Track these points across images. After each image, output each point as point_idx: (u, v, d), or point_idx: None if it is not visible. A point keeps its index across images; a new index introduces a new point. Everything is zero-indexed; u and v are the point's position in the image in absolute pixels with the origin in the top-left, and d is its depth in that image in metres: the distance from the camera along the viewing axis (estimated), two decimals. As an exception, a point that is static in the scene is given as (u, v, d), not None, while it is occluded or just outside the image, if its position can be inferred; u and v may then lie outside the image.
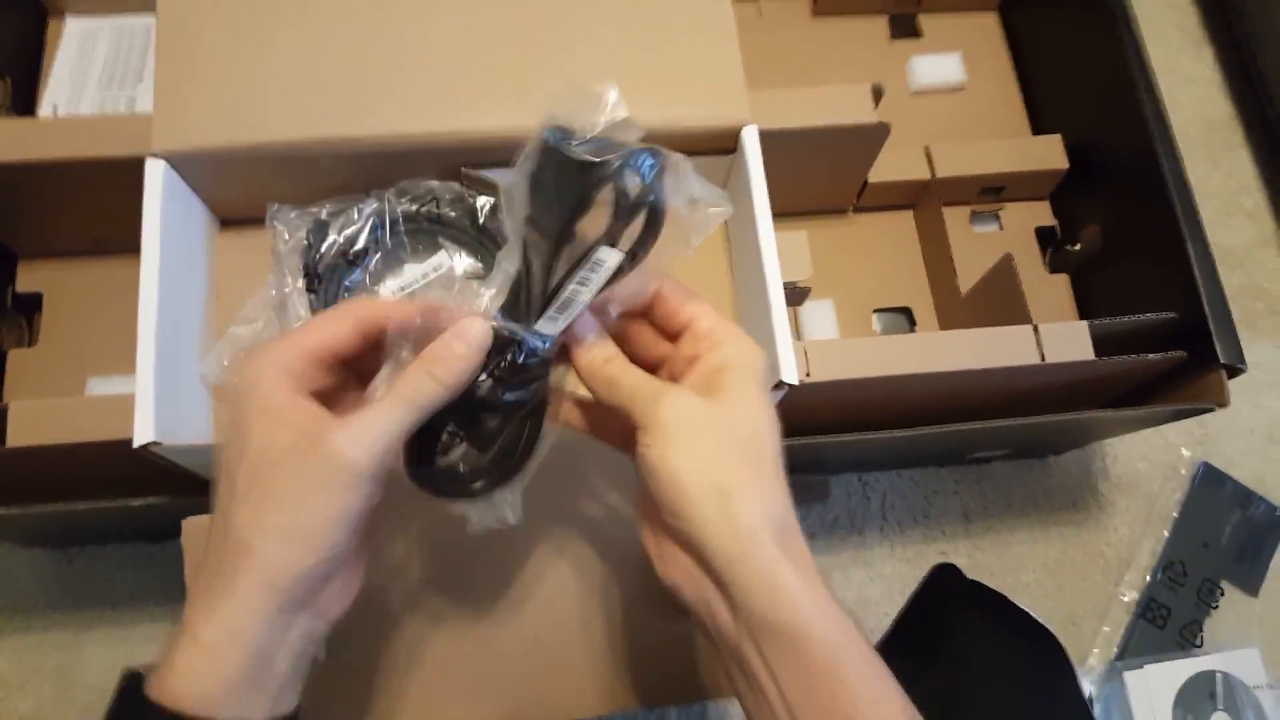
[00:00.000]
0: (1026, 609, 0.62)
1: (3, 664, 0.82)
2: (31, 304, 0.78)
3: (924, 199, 0.89)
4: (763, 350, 0.42)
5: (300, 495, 0.37)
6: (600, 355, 0.42)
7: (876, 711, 0.37)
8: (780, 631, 0.37)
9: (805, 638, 0.37)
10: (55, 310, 0.78)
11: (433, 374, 0.39)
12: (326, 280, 0.59)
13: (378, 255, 0.61)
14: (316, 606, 0.39)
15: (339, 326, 0.40)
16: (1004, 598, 0.63)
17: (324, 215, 0.61)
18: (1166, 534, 0.95)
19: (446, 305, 0.40)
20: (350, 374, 0.43)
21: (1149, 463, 0.98)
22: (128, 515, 0.72)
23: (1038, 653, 0.61)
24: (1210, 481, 0.97)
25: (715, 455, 0.38)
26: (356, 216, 0.61)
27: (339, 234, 0.60)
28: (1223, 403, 0.71)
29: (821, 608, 0.37)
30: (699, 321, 0.42)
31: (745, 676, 0.38)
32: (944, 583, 0.67)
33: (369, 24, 0.62)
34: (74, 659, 0.82)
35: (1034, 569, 0.94)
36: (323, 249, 0.60)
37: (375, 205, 0.61)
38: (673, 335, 0.43)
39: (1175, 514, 0.96)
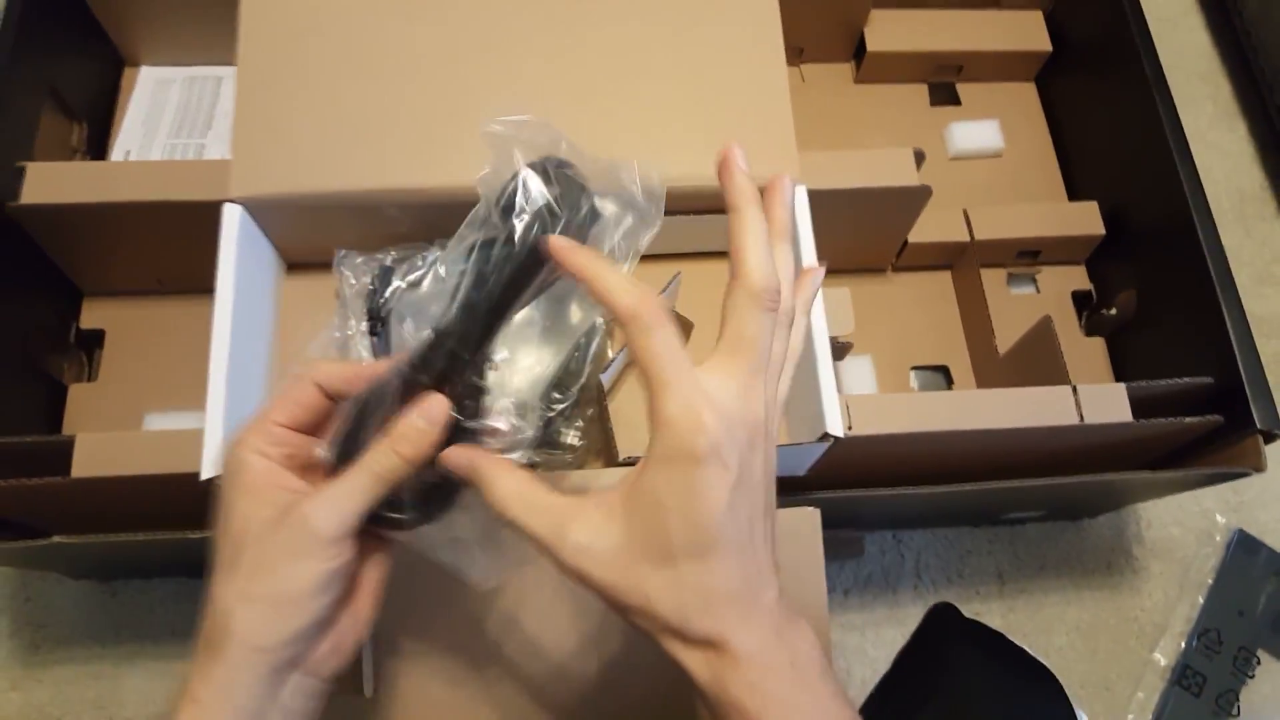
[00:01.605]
0: (1024, 647, 0.62)
1: (45, 694, 0.83)
2: (93, 340, 0.80)
3: (962, 260, 0.91)
4: (706, 408, 0.38)
5: (276, 564, 0.40)
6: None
7: None
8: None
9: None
10: (116, 347, 0.80)
11: (398, 450, 0.42)
12: (389, 325, 0.61)
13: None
14: (307, 665, 0.42)
15: (303, 396, 0.44)
16: (1002, 635, 0.64)
17: (389, 262, 0.63)
18: (1201, 600, 0.95)
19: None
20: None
21: (1183, 528, 0.98)
22: (178, 549, 0.74)
23: (1035, 687, 0.61)
24: (1245, 549, 0.97)
25: (624, 569, 0.39)
26: (420, 264, 0.63)
27: (402, 280, 0.62)
28: (1259, 467, 0.71)
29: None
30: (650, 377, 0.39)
31: None
32: (943, 620, 0.68)
33: (435, 81, 0.65)
34: (113, 691, 0.84)
35: (1067, 631, 0.94)
36: (386, 294, 0.62)
37: (438, 253, 0.64)
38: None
39: (1210, 580, 0.96)
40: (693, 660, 0.38)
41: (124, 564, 0.84)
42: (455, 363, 0.44)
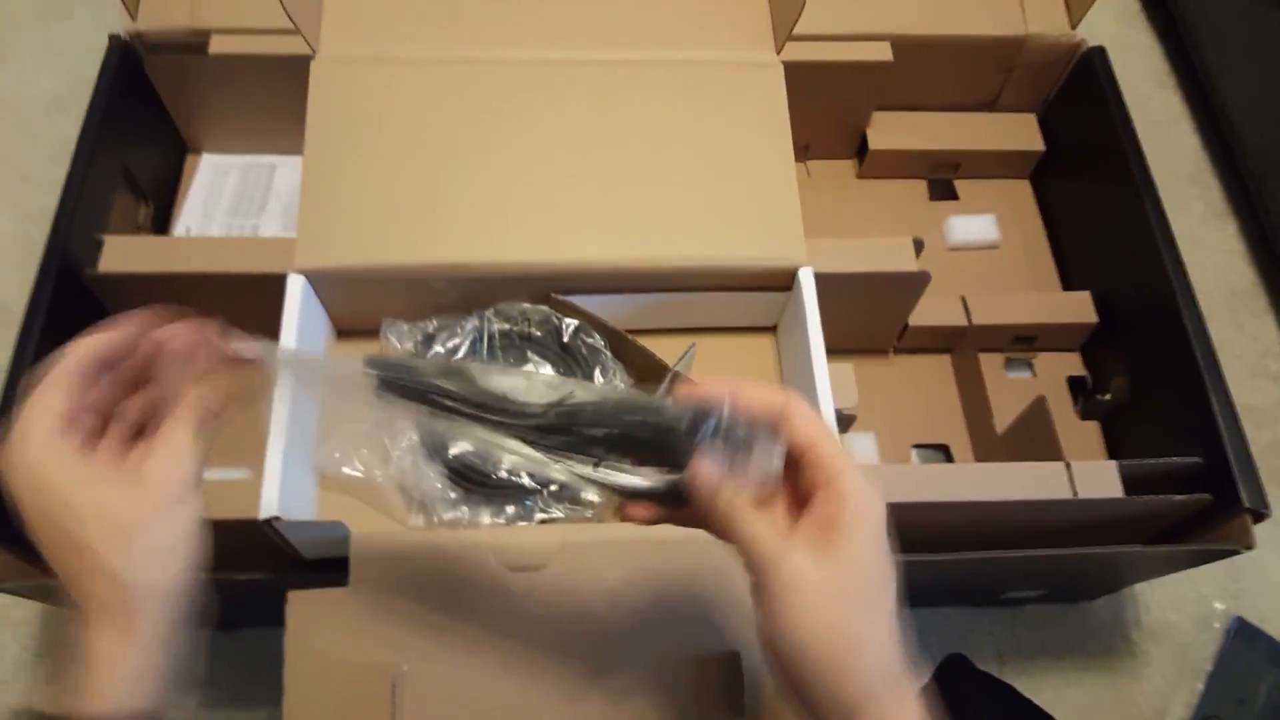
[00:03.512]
0: (1029, 696, 0.64)
1: (76, 743, 0.86)
2: (149, 401, 0.86)
3: (960, 344, 0.95)
4: (881, 495, 0.42)
5: (154, 526, 0.43)
6: (725, 492, 0.43)
7: None
8: None
9: None
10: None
11: (213, 384, 0.46)
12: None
13: (474, 366, 0.69)
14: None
15: (71, 379, 0.44)
16: (1010, 686, 0.66)
17: (431, 330, 0.69)
18: (1201, 687, 0.93)
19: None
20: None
21: (1181, 613, 0.98)
22: (220, 596, 0.78)
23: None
24: (1244, 636, 0.96)
25: (831, 625, 0.40)
26: (459, 332, 0.69)
27: (442, 346, 0.68)
28: (1249, 545, 0.72)
29: None
30: (820, 449, 0.43)
31: None
32: (956, 670, 0.69)
33: (483, 169, 0.72)
34: (140, 741, 0.86)
35: (1067, 714, 0.91)
36: (428, 358, 0.68)
37: (475, 323, 0.69)
38: (795, 451, 0.44)
39: (1209, 668, 0.95)
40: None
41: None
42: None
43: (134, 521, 0.42)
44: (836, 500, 0.41)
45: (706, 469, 0.43)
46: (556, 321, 0.72)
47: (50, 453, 0.42)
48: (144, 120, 0.91)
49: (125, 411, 0.46)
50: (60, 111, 1.17)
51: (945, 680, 0.70)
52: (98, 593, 0.42)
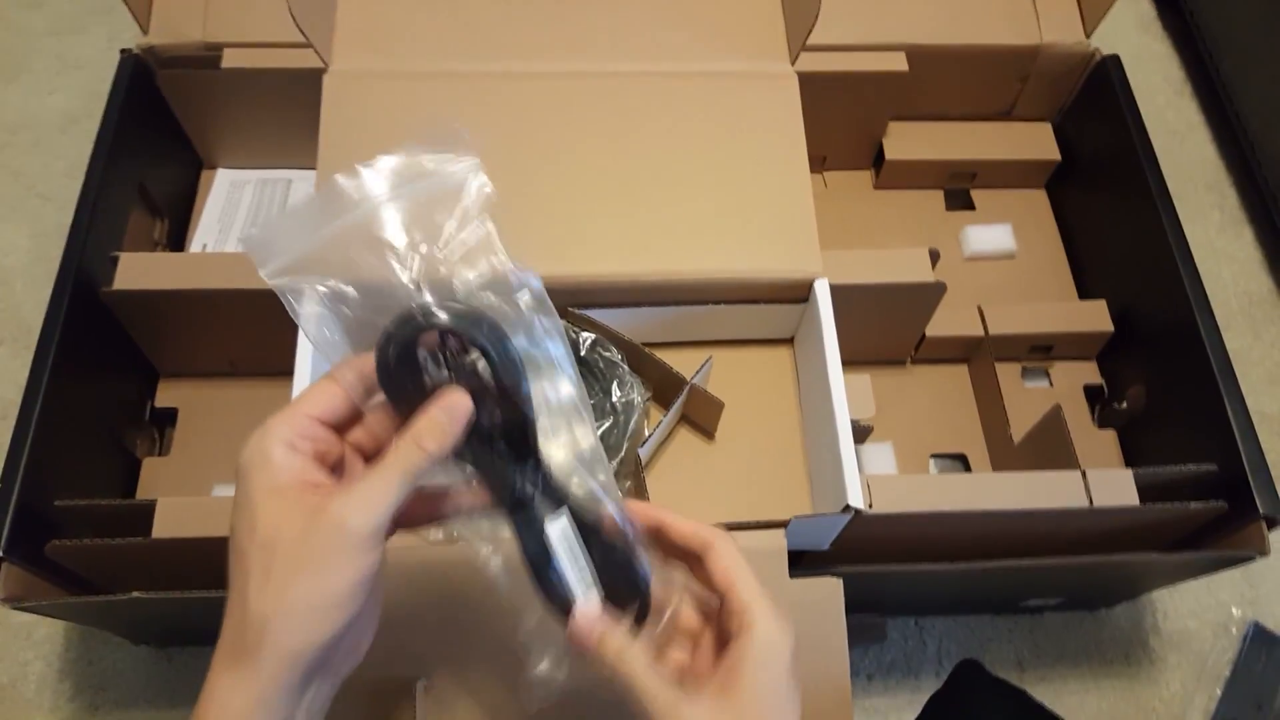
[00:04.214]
0: (1048, 704, 0.65)
1: (103, 757, 0.87)
2: (166, 417, 0.87)
3: (977, 354, 0.95)
4: (790, 634, 0.43)
5: (312, 569, 0.38)
6: (612, 642, 0.43)
7: None
8: None
9: None
10: (188, 424, 0.86)
11: (422, 445, 0.41)
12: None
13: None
14: (330, 668, 0.42)
15: (329, 388, 0.42)
16: (1024, 691, 0.66)
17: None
18: (1219, 692, 0.95)
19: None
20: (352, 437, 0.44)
21: (1199, 620, 0.99)
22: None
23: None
24: (1262, 642, 0.97)
25: None
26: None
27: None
28: (1264, 551, 0.73)
29: None
30: (735, 591, 0.43)
31: None
32: (969, 675, 0.69)
33: (497, 182, 0.71)
34: (166, 754, 0.87)
35: None
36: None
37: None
38: (718, 592, 0.45)
39: (1227, 673, 0.96)
40: None
41: (182, 630, 0.88)
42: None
43: (292, 560, 0.38)
44: (744, 643, 0.42)
45: (585, 617, 0.43)
46: (573, 335, 0.72)
47: (275, 452, 0.40)
48: (159, 136, 0.92)
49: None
50: (75, 127, 1.18)
51: (959, 686, 0.70)
52: (231, 620, 0.39)
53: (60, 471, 0.73)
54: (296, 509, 0.39)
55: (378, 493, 0.40)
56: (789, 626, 0.43)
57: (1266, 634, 0.98)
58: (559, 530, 0.44)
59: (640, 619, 0.45)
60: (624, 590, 0.45)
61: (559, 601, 0.44)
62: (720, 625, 0.45)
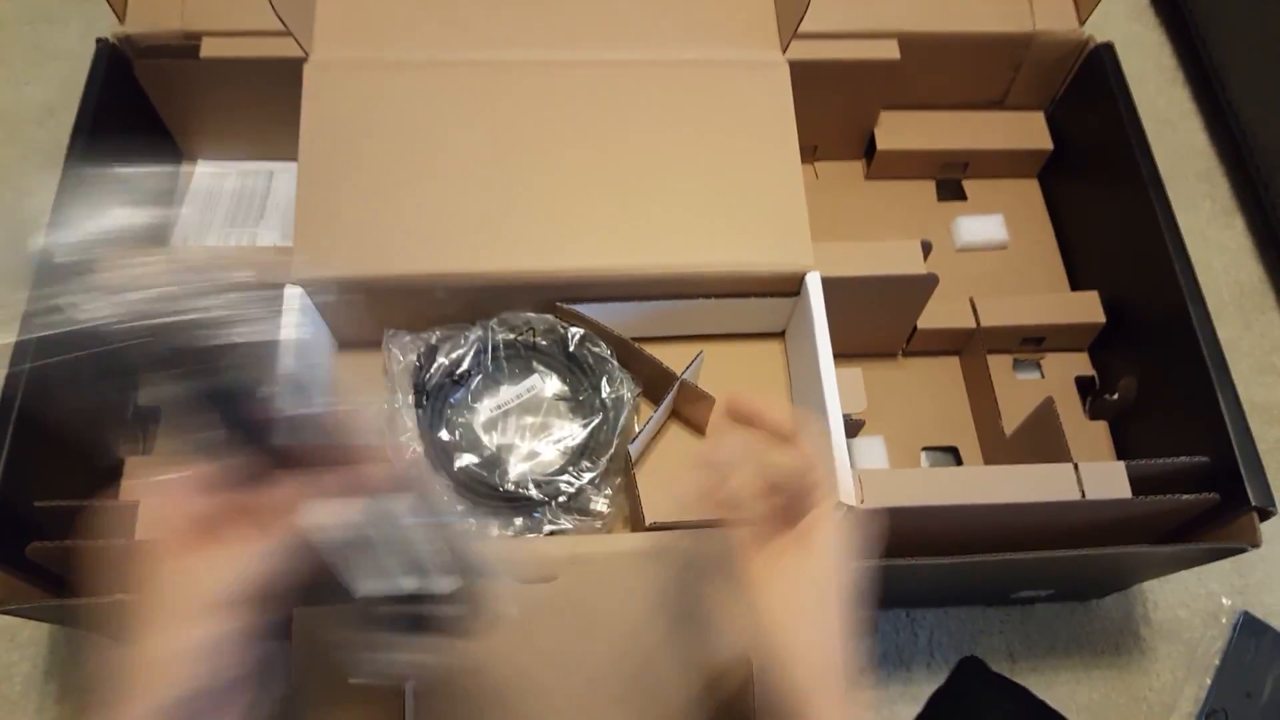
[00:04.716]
0: (1042, 697, 0.65)
1: (87, 757, 0.86)
2: (149, 416, 0.85)
3: (969, 346, 0.94)
4: (853, 518, 0.49)
5: (170, 625, 0.40)
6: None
7: None
8: None
9: None
10: (171, 423, 0.85)
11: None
12: (434, 398, 0.66)
13: (479, 377, 0.68)
14: None
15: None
16: (1025, 689, 0.66)
17: (434, 340, 0.68)
18: (1209, 682, 0.95)
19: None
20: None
21: (1189, 610, 0.99)
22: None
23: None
24: (1251, 631, 0.97)
25: (788, 609, 0.47)
26: (463, 343, 0.68)
27: (446, 357, 0.67)
28: (1255, 543, 0.73)
29: None
30: (817, 471, 0.49)
31: None
32: (972, 672, 0.70)
33: (484, 175, 0.71)
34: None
35: (1078, 711, 0.94)
36: (431, 370, 0.67)
37: (479, 333, 0.69)
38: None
39: (1217, 662, 0.96)
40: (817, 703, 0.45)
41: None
42: None
43: (156, 619, 0.40)
44: (825, 509, 0.49)
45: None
46: (562, 330, 0.71)
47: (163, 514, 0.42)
48: (137, 128, 0.90)
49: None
50: (52, 119, 1.16)
51: (961, 683, 0.70)
52: (109, 671, 0.40)
53: (41, 472, 0.71)
54: (166, 569, 0.41)
55: (236, 563, 0.41)
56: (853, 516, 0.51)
57: (1256, 623, 0.98)
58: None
59: None
60: None
61: None
62: (792, 497, 0.49)
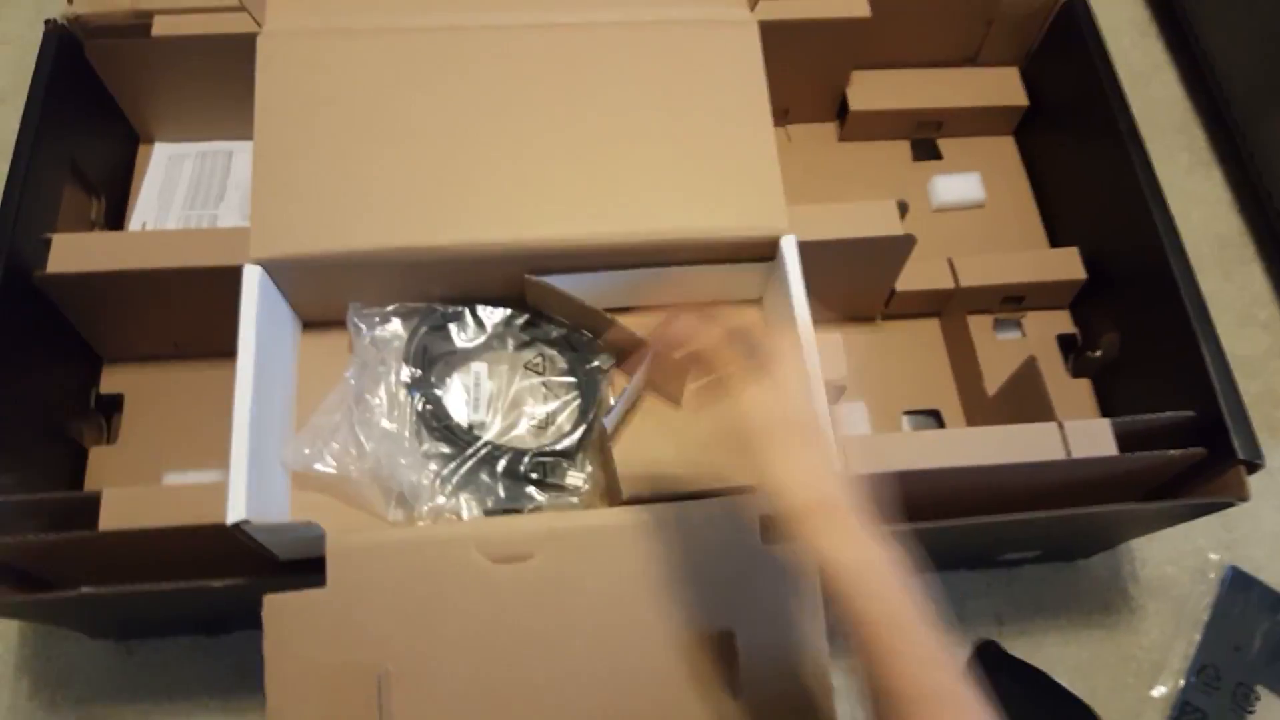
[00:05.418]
0: (1059, 681, 0.64)
1: (66, 753, 0.84)
2: (112, 405, 0.83)
3: (949, 307, 0.94)
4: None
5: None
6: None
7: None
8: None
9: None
10: (135, 410, 0.83)
11: None
12: (428, 370, 0.64)
13: (451, 353, 0.67)
14: None
15: None
16: (1042, 672, 0.66)
17: (403, 313, 0.66)
18: (1198, 637, 0.95)
19: None
20: None
21: (1177, 566, 0.99)
22: (196, 604, 0.76)
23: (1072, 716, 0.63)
24: (1239, 585, 0.97)
25: (777, 438, 0.52)
26: (431, 318, 0.66)
27: (415, 333, 0.65)
28: (1243, 496, 0.73)
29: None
30: (759, 334, 0.56)
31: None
32: (988, 656, 0.69)
33: (441, 145, 0.68)
34: (130, 749, 0.85)
35: (1066, 671, 0.94)
36: (406, 346, 0.65)
37: (445, 309, 0.67)
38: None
39: (1206, 617, 0.96)
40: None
41: (141, 622, 0.85)
42: None
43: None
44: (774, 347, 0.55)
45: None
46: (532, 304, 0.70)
47: None
48: (91, 110, 0.87)
49: None
50: (3, 105, 1.13)
51: (978, 667, 0.70)
52: None
53: (2, 465, 0.69)
54: None
55: None
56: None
57: (1244, 577, 0.98)
58: None
59: None
60: None
61: None
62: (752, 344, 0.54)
